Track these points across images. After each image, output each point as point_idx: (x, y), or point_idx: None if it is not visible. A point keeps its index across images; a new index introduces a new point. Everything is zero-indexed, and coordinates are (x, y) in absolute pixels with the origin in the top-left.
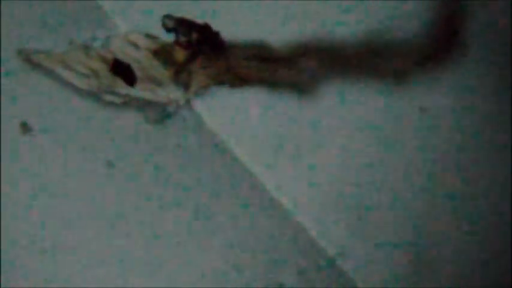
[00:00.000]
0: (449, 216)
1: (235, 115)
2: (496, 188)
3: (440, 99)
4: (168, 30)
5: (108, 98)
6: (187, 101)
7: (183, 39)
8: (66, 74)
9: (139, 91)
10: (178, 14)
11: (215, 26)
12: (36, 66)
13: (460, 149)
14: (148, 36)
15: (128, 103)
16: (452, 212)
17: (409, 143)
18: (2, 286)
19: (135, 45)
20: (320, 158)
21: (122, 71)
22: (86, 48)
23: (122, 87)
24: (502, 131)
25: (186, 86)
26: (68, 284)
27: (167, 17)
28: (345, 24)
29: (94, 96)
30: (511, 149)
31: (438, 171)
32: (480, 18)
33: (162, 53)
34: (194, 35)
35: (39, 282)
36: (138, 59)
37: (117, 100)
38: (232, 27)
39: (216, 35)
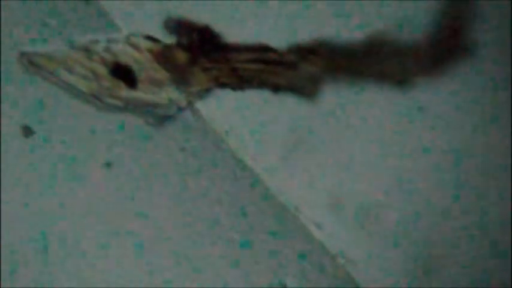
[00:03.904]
0: (448, 216)
1: (237, 117)
2: (495, 187)
3: (440, 99)
4: (169, 32)
5: (109, 100)
6: (189, 103)
7: (184, 41)
8: (67, 77)
9: (140, 93)
10: (180, 16)
11: (217, 28)
12: (37, 68)
13: (460, 149)
14: (150, 38)
15: (129, 105)
16: (452, 212)
17: (409, 142)
18: (2, 286)
19: (136, 48)
20: (321, 159)
21: (123, 73)
22: (87, 50)
23: (123, 90)
24: (502, 131)
25: (187, 88)
26: (67, 283)
27: (168, 19)
28: (347, 25)
29: (95, 98)
30: (511, 149)
31: (438, 171)
32: (480, 18)
33: (163, 55)
34: (195, 37)
35: (39, 282)
36: (139, 61)
37: (118, 102)
38: (235, 30)
39: (217, 36)
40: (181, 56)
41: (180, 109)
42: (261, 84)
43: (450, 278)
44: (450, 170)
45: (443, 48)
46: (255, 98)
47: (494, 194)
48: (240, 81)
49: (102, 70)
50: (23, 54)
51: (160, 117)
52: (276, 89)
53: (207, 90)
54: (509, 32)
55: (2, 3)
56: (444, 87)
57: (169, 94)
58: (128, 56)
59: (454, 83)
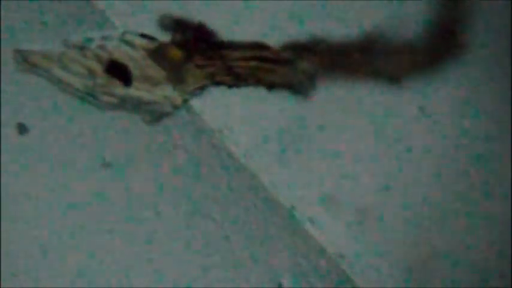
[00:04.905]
0: (448, 216)
1: (233, 115)
2: (495, 188)
3: (440, 99)
4: (165, 29)
5: (105, 98)
6: (185, 101)
7: (179, 38)
8: (63, 75)
9: (135, 91)
10: (175, 14)
11: (213, 25)
12: (32, 66)
13: (460, 149)
14: (145, 36)
15: (124, 103)
16: (452, 211)
17: (409, 142)
18: (2, 286)
19: (131, 45)
20: (317, 157)
21: (118, 71)
22: (82, 48)
23: (118, 88)
24: (502, 131)
25: (182, 86)
26: (66, 283)
27: (163, 16)
28: (345, 24)
29: (90, 96)
30: (511, 149)
31: (438, 171)
32: (480, 18)
33: (158, 53)
34: (190, 35)
35: (39, 282)
36: (135, 58)
37: (114, 100)
38: (231, 27)
39: (212, 34)
40: (176, 54)
41: (175, 107)
42: (257, 82)
43: (449, 278)
44: (450, 169)
45: (438, 46)
46: (250, 96)
47: (494, 194)
48: (235, 79)
49: (97, 68)
50: (17, 51)
51: (155, 115)
52: (271, 86)
53: (202, 88)
54: (509, 32)
55: (2, 3)
56: (444, 87)
57: (164, 92)
58: (123, 53)
59: (454, 83)
